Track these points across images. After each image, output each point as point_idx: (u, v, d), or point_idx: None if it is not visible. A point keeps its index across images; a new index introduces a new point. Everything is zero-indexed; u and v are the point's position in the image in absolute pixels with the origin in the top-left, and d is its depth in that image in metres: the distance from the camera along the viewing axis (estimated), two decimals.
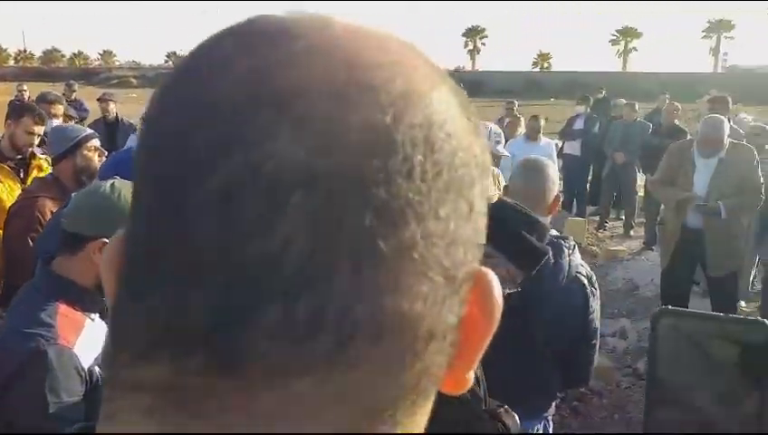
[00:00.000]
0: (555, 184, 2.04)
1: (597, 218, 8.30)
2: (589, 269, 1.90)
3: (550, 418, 2.05)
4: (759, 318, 0.41)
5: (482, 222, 0.30)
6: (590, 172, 8.71)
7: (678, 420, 0.46)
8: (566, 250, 1.94)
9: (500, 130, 3.78)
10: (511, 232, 1.58)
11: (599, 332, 1.94)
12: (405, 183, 0.25)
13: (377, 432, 0.26)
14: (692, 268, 4.31)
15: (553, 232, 2.01)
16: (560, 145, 8.80)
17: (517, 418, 1.73)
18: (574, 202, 8.65)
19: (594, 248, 7.03)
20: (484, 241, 0.30)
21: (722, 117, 4.28)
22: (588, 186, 8.97)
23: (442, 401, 0.31)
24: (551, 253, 1.88)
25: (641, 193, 7.60)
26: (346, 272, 0.24)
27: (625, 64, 68.94)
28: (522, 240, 1.58)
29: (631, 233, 7.67)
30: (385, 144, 0.25)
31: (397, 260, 0.25)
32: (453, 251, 0.27)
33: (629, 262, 6.34)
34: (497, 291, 0.30)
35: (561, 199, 8.49)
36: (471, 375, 0.31)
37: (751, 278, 5.32)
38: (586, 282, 1.82)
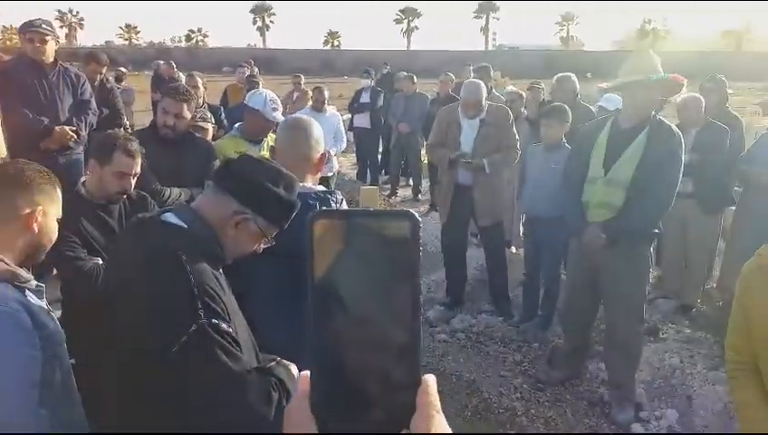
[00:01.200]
0: (319, 143, 2.03)
1: (389, 186, 8.76)
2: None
3: None
4: (405, 209, 0.43)
5: None
6: (380, 143, 9.12)
7: (341, 320, 0.46)
8: (333, 204, 1.97)
9: (276, 97, 3.73)
10: (254, 185, 1.52)
11: None
12: None
13: None
14: (466, 221, 4.73)
15: (320, 187, 2.03)
16: (350, 118, 9.08)
17: (294, 367, 1.73)
18: (368, 172, 9.01)
19: None
20: None
21: (479, 81, 4.71)
22: (379, 156, 9.40)
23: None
24: (317, 205, 1.89)
25: (426, 160, 8.18)
26: None
27: (409, 43, 73.24)
28: (266, 192, 1.53)
29: (419, 197, 8.23)
30: None
31: None
32: None
33: None
34: None
35: (357, 170, 8.63)
36: None
37: (521, 226, 6.03)
38: None
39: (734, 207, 4.91)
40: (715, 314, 4.56)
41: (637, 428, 3.25)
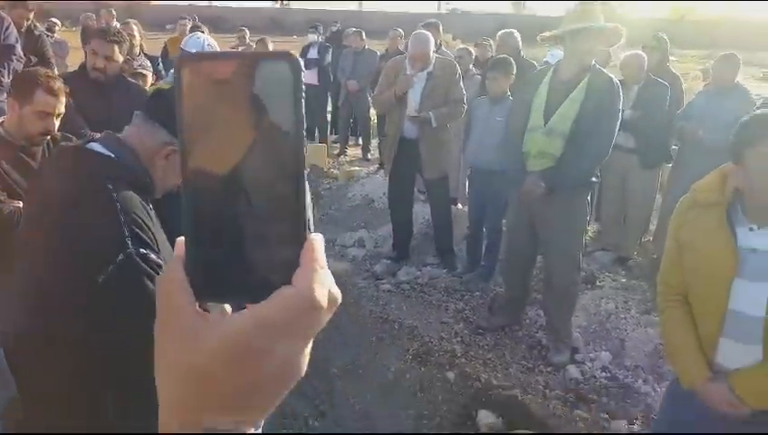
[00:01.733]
0: None
1: (338, 145, 8.67)
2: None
3: None
4: (285, 50, 0.40)
5: None
6: (329, 101, 8.97)
7: (214, 174, 0.43)
8: None
9: (214, 42, 3.59)
10: None
11: None
12: None
13: None
14: (411, 175, 4.72)
15: None
16: None
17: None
18: (316, 130, 8.88)
19: (335, 172, 7.34)
20: None
21: (428, 33, 4.65)
22: (329, 115, 9.27)
23: None
24: None
25: (375, 119, 8.10)
26: None
27: (361, 4, 71.91)
28: None
29: (369, 156, 8.17)
30: None
31: None
32: None
33: (366, 180, 6.75)
34: None
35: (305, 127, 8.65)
36: None
37: (467, 182, 6.07)
38: None
39: (670, 164, 5.09)
40: (651, 264, 4.74)
41: (572, 369, 3.37)
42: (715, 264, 1.78)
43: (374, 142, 8.23)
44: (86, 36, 9.28)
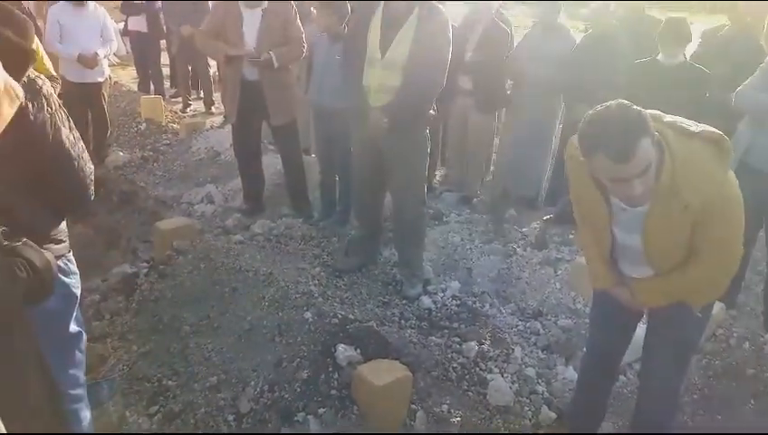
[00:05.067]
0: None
1: (180, 99, 8.11)
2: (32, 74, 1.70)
3: None
4: None
5: None
6: (160, 50, 8.31)
7: None
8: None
9: None
10: None
11: (79, 151, 1.82)
12: None
13: None
14: (257, 121, 4.51)
15: None
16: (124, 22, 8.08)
17: (46, 254, 1.52)
18: (150, 83, 8.21)
19: (175, 126, 6.86)
20: None
21: None
22: (167, 68, 8.60)
23: None
24: None
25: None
26: None
27: None
28: None
29: (213, 109, 7.73)
30: None
31: None
32: None
33: (211, 133, 6.40)
34: None
35: (139, 81, 7.72)
36: None
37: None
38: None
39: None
40: (492, 201, 5.06)
41: (425, 300, 3.51)
42: (595, 214, 2.04)
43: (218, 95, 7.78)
44: None
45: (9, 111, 1.15)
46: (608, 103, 1.75)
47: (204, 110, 7.86)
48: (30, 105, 1.63)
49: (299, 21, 4.36)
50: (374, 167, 3.52)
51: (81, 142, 1.83)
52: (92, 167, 1.88)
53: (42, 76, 1.75)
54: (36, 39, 2.10)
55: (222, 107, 7.58)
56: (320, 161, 4.63)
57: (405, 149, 3.37)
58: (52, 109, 1.70)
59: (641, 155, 1.68)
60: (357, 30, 3.43)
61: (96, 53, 5.30)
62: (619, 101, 1.75)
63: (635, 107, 1.72)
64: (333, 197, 4.58)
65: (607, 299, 2.24)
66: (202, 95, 8.07)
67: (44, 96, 1.69)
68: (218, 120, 7.17)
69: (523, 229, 4.55)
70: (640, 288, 2.12)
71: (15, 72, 1.35)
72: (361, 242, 3.84)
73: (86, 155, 1.84)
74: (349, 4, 4.09)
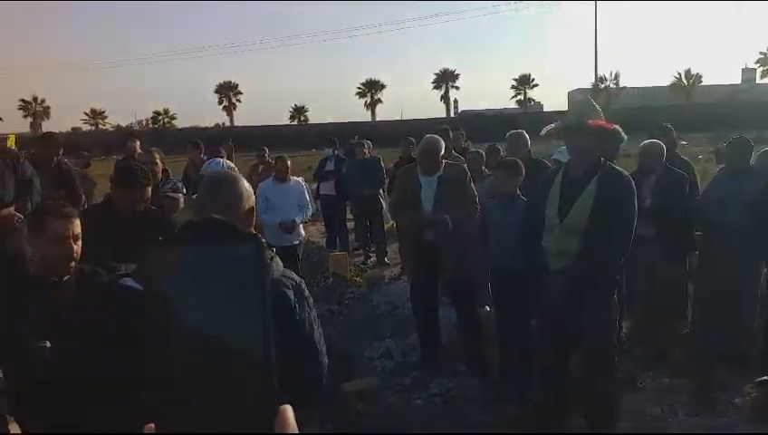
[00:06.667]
0: (243, 197, 1.87)
1: (361, 252, 8.73)
2: (297, 278, 1.87)
3: None
4: (250, 232, 0.39)
5: None
6: (347, 210, 9.17)
7: (184, 344, 0.44)
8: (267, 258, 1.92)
9: (233, 165, 3.73)
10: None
11: (322, 347, 1.91)
12: None
13: None
14: (433, 280, 4.68)
15: None
16: (316, 187, 9.13)
17: None
18: (337, 239, 8.99)
19: (357, 279, 7.33)
20: None
21: (436, 137, 4.77)
22: (350, 223, 9.42)
23: None
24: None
25: (392, 222, 8.20)
26: None
27: (374, 114, 75.00)
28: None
29: (386, 260, 8.18)
30: None
31: None
32: None
33: (389, 286, 6.71)
34: None
35: (326, 237, 8.50)
36: None
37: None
38: (291, 293, 1.78)
39: (697, 252, 4.99)
40: (692, 359, 4.51)
41: None
42: None
43: (394, 246, 8.27)
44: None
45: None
46: None
47: (377, 260, 8.35)
48: (297, 306, 1.82)
49: (472, 184, 4.60)
50: (558, 333, 3.39)
51: (323, 339, 1.97)
52: (327, 362, 1.99)
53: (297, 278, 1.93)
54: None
55: (396, 257, 8.07)
56: (496, 319, 4.58)
57: (591, 317, 3.22)
58: (309, 308, 1.89)
59: None
60: (536, 195, 3.50)
61: (294, 220, 6.02)
62: None
63: None
64: (511, 356, 4.44)
65: None
66: (377, 248, 8.62)
67: (306, 298, 1.88)
68: (395, 270, 7.55)
69: (736, 400, 3.93)
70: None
71: None
72: (547, 409, 3.61)
73: (325, 350, 1.98)
74: (522, 170, 4.24)
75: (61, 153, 5.39)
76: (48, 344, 2.24)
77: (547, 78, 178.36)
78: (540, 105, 76.15)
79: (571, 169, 3.34)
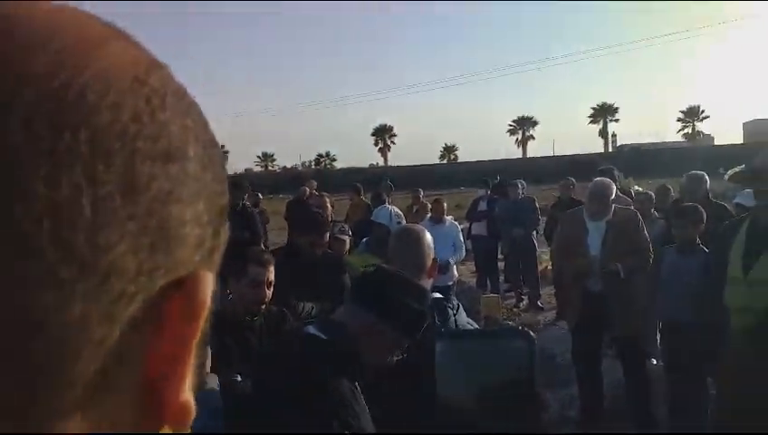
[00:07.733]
0: (430, 249, 2.05)
1: (512, 293, 8.53)
2: (477, 326, 1.92)
3: None
4: (521, 328, 0.41)
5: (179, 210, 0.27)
6: (499, 250, 9.04)
7: None
8: (450, 311, 1.97)
9: (401, 212, 3.89)
10: (394, 301, 1.60)
11: None
12: None
13: None
14: (598, 330, 4.42)
15: (436, 295, 2.04)
16: (467, 227, 9.15)
17: None
18: (487, 280, 8.88)
19: (510, 323, 7.14)
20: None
21: (607, 179, 4.56)
22: (501, 264, 9.27)
23: None
24: (436, 315, 1.89)
25: (547, 264, 7.92)
26: None
27: (525, 151, 73.65)
28: (406, 309, 1.59)
29: (539, 303, 7.89)
30: None
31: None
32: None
33: (544, 332, 6.46)
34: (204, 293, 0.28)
35: (477, 278, 8.49)
36: (189, 395, 0.28)
37: (658, 334, 5.52)
38: None
39: None
40: None
41: None
42: None
43: (548, 289, 7.97)
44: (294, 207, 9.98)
45: None
46: None
47: (529, 304, 8.07)
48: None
49: (645, 231, 4.31)
50: (744, 398, 3.02)
51: None
52: None
53: None
54: None
55: (551, 301, 7.76)
56: (667, 376, 4.20)
57: None
58: None
59: None
60: (719, 245, 3.21)
61: (448, 261, 6.07)
62: None
63: None
64: (684, 414, 4.03)
65: None
66: (529, 290, 8.35)
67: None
68: (549, 315, 7.26)
69: None
70: None
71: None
72: None
73: None
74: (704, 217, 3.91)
75: (246, 197, 5.99)
76: (239, 378, 2.45)
77: (714, 106, 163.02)
78: (710, 138, 69.74)
79: (761, 217, 3.01)
